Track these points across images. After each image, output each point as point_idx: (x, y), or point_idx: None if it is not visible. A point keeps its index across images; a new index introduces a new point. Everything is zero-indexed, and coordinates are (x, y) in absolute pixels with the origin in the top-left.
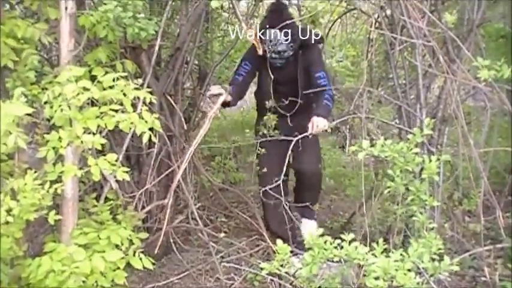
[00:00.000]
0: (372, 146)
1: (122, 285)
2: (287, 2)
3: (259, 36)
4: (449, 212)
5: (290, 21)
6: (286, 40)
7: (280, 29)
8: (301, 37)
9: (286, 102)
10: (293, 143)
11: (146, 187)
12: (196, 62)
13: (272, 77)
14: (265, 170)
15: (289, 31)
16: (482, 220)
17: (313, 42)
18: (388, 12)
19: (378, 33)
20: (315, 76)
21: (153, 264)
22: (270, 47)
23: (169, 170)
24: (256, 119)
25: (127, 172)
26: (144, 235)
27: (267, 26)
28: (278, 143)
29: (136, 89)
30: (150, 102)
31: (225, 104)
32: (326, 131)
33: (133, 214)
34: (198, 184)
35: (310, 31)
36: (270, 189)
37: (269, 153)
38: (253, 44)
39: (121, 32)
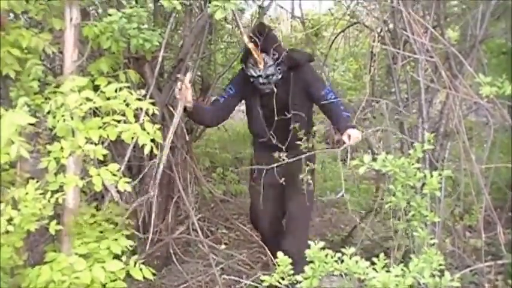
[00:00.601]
0: (374, 160)
1: None
2: (271, 25)
3: (246, 62)
4: (450, 227)
5: (276, 44)
6: (274, 63)
7: (267, 52)
8: (289, 58)
9: (273, 133)
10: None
11: (146, 196)
12: (199, 73)
13: (260, 106)
14: (257, 210)
15: (276, 53)
16: (483, 236)
17: (303, 61)
18: (391, 26)
19: (380, 48)
20: (321, 94)
21: (154, 275)
22: (256, 73)
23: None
24: (253, 149)
25: (128, 182)
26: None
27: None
28: (273, 182)
29: (138, 99)
30: (153, 114)
31: (190, 115)
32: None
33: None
34: (199, 195)
35: (298, 51)
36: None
37: (262, 194)
38: (241, 69)
39: (125, 42)
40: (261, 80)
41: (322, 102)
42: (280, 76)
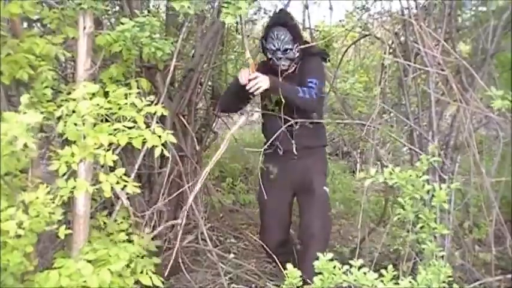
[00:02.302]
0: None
1: None
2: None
3: (262, 43)
4: (459, 240)
5: (294, 22)
6: (291, 38)
7: (285, 26)
8: (304, 47)
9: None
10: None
11: (156, 206)
12: (210, 83)
13: (270, 100)
14: (265, 222)
15: (294, 30)
16: (493, 249)
17: (314, 51)
18: (402, 39)
19: (391, 60)
20: (307, 80)
21: (162, 283)
22: (275, 45)
23: (181, 190)
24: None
25: (138, 187)
26: (157, 260)
27: (271, 25)
28: (281, 190)
29: (148, 105)
30: (163, 122)
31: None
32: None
33: (145, 234)
34: (208, 205)
35: (315, 46)
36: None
37: (270, 203)
38: (260, 63)
39: (137, 51)
40: (279, 55)
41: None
42: (296, 54)
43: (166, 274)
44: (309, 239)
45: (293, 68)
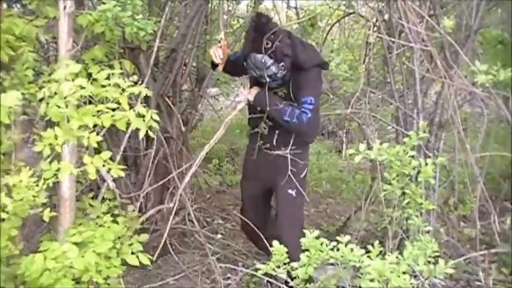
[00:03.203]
0: (369, 149)
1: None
2: (268, 15)
3: (246, 61)
4: (444, 217)
5: (276, 39)
6: (273, 61)
7: (260, 51)
8: (295, 58)
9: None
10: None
11: (143, 188)
12: (195, 64)
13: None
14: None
15: (276, 51)
16: (478, 225)
17: (307, 65)
18: (387, 16)
19: (376, 38)
20: (301, 100)
21: (149, 264)
22: (257, 73)
23: (167, 172)
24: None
25: (123, 170)
26: (144, 237)
27: (251, 51)
28: (256, 178)
29: (132, 86)
30: (147, 103)
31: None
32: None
33: (134, 216)
34: (195, 186)
35: (308, 51)
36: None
37: (249, 183)
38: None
39: (119, 31)
40: (264, 80)
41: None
42: (284, 72)
43: (153, 256)
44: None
45: (284, 71)
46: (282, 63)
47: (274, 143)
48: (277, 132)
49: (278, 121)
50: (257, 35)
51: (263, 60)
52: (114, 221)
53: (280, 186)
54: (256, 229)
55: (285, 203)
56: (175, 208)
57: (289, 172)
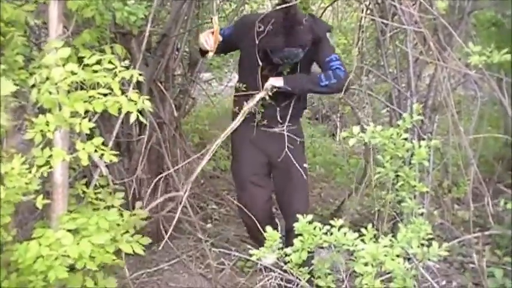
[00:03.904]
0: (363, 131)
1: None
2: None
3: (266, 52)
4: (438, 199)
5: (303, 27)
6: (300, 50)
7: (295, 44)
8: (313, 34)
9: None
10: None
11: (136, 174)
12: (187, 49)
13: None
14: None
15: (303, 37)
16: (471, 206)
17: (322, 34)
18: None
19: (369, 21)
20: (325, 61)
21: (144, 251)
22: (284, 61)
23: (160, 157)
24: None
25: (116, 155)
26: (136, 219)
27: (283, 46)
28: (263, 150)
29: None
30: (139, 89)
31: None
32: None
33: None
34: (189, 171)
35: (317, 20)
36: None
37: (249, 161)
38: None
39: (110, 15)
40: (284, 61)
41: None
42: (302, 55)
43: (148, 242)
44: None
45: (302, 54)
46: (306, 48)
47: (279, 119)
48: (278, 109)
49: (316, 91)
50: (287, 28)
51: (296, 52)
52: (108, 207)
53: (290, 162)
54: (260, 211)
55: (301, 176)
56: (168, 194)
57: (301, 146)
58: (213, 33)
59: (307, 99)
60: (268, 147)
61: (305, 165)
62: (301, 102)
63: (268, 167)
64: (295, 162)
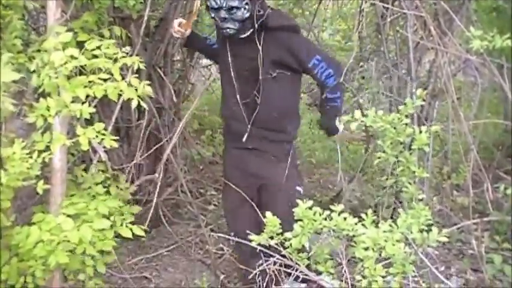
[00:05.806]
0: (364, 116)
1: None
2: None
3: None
4: (438, 186)
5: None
6: None
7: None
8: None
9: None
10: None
11: (135, 159)
12: None
13: (230, 57)
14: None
15: None
16: (471, 192)
17: (285, 28)
18: None
19: (369, 6)
20: (309, 67)
21: (144, 235)
22: (217, 3)
23: (159, 143)
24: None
25: (116, 141)
26: (136, 209)
27: None
28: (251, 173)
29: (124, 57)
30: (139, 74)
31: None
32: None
33: (125, 187)
34: (188, 157)
35: (283, 16)
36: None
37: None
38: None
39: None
40: (222, 14)
41: (313, 74)
42: (247, 14)
43: (147, 227)
44: None
45: (248, 33)
46: (245, 1)
47: (267, 141)
48: (266, 130)
49: (341, 101)
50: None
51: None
52: (107, 192)
53: (280, 184)
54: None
55: (292, 200)
56: (167, 179)
57: (292, 168)
58: (188, 19)
59: (296, 120)
60: (255, 169)
61: (298, 188)
62: (288, 123)
63: (257, 191)
64: (282, 186)
